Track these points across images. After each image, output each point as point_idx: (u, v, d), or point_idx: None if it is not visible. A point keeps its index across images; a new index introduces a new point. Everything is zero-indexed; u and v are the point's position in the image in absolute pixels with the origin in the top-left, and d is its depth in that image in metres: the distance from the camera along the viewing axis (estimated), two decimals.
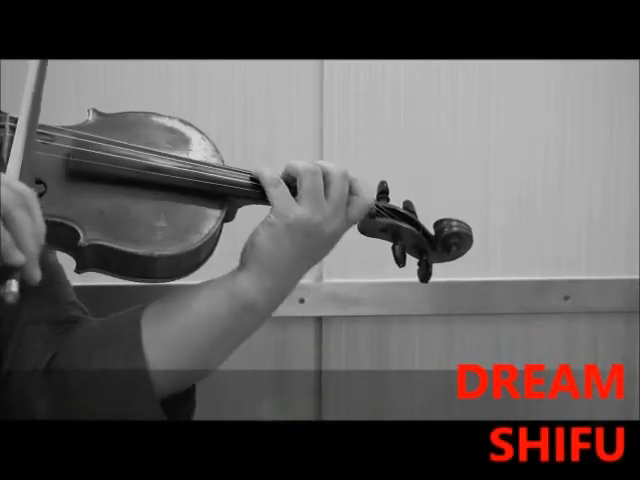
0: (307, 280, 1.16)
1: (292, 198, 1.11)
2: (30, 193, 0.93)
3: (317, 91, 1.83)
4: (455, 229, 1.17)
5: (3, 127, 1.07)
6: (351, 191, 1.14)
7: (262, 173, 1.13)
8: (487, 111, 1.87)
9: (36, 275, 0.92)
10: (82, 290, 1.24)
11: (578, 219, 1.92)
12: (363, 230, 1.17)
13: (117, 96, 1.77)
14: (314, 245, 1.13)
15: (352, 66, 1.83)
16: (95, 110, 1.18)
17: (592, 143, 1.90)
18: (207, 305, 1.12)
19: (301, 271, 1.14)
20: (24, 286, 0.92)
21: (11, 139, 1.03)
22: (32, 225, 0.92)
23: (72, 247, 1.06)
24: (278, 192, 1.11)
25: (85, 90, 1.76)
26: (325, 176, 1.13)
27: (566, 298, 1.92)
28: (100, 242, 1.06)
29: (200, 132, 1.19)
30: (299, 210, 1.11)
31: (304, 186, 1.11)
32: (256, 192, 1.13)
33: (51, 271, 1.20)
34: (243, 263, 1.13)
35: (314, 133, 1.83)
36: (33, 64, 1.06)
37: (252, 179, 1.14)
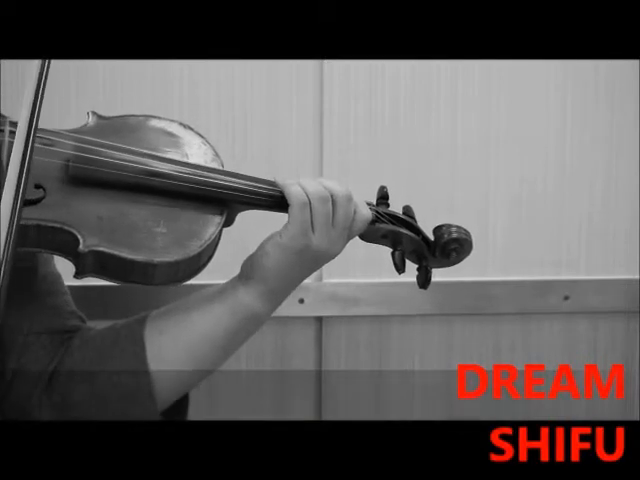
0: (307, 280, 1.16)
1: (310, 225, 1.10)
2: None
3: (317, 91, 1.83)
4: (454, 235, 1.17)
5: (2, 131, 1.07)
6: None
7: (290, 191, 1.11)
8: (487, 111, 1.87)
9: None
10: (82, 291, 1.24)
11: (578, 219, 1.92)
12: (363, 236, 1.17)
13: (117, 96, 1.76)
14: (318, 265, 1.14)
15: (352, 66, 1.83)
16: (95, 113, 1.18)
17: (592, 143, 1.90)
18: (211, 322, 1.13)
19: (302, 281, 1.15)
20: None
21: (11, 143, 1.02)
22: None
23: (72, 253, 1.06)
24: (302, 216, 1.10)
25: (85, 91, 1.75)
26: (332, 200, 1.11)
27: (566, 298, 1.92)
28: (100, 248, 1.05)
29: (200, 136, 1.18)
30: (312, 239, 1.10)
31: (317, 215, 1.10)
32: (258, 199, 1.13)
33: (51, 281, 1.20)
34: (246, 278, 1.13)
35: (314, 133, 1.83)
36: (35, 65, 1.06)
37: (254, 186, 1.13)
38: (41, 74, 1.02)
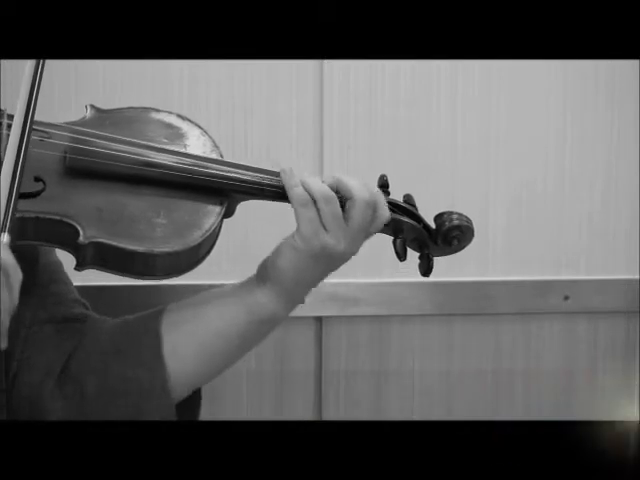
0: None
1: (320, 224, 1.09)
2: (13, 267, 0.93)
3: (317, 91, 1.83)
4: (456, 222, 1.17)
5: (0, 124, 1.07)
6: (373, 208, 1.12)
7: (292, 194, 1.10)
8: (487, 111, 1.87)
9: (2, 346, 0.93)
10: (81, 290, 1.24)
11: (578, 219, 1.92)
12: None
13: (117, 96, 1.76)
14: (336, 266, 1.13)
15: (352, 66, 1.83)
16: (93, 106, 1.18)
17: (592, 143, 1.90)
18: (227, 320, 1.13)
19: (320, 281, 1.15)
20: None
21: (8, 136, 1.02)
22: (9, 302, 0.93)
23: (72, 245, 1.06)
24: (309, 214, 1.09)
25: (85, 91, 1.75)
26: (348, 199, 1.10)
27: (566, 298, 1.92)
28: (100, 240, 1.06)
29: (199, 127, 1.19)
30: (325, 238, 1.09)
31: (325, 214, 1.09)
32: (258, 189, 1.13)
33: (52, 270, 1.20)
34: (263, 280, 1.13)
35: (314, 133, 1.83)
36: (29, 64, 1.06)
37: (254, 176, 1.13)
38: (36, 70, 1.03)
